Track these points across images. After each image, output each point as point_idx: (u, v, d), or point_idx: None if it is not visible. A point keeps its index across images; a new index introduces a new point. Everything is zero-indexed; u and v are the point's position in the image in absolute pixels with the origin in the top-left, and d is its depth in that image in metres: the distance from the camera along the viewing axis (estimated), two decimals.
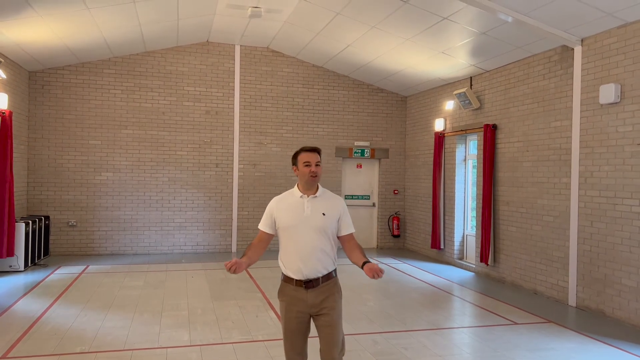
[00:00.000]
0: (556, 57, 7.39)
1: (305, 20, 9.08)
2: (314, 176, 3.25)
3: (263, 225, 3.35)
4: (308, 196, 3.29)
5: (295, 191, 3.34)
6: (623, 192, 6.20)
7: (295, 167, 3.33)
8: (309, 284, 3.20)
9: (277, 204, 3.33)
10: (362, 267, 3.15)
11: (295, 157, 3.34)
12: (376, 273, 3.02)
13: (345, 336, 3.37)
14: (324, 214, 3.24)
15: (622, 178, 6.22)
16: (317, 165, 3.27)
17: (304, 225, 3.21)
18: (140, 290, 7.36)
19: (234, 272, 3.04)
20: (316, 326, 3.26)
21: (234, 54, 11.06)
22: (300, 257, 3.20)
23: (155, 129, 10.59)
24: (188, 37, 10.31)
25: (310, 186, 3.30)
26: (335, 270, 3.32)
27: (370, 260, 3.19)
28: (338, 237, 3.34)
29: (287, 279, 3.28)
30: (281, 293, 3.32)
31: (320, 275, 3.22)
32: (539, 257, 7.64)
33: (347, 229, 3.33)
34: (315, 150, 3.31)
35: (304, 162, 3.27)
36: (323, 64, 11.36)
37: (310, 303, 3.20)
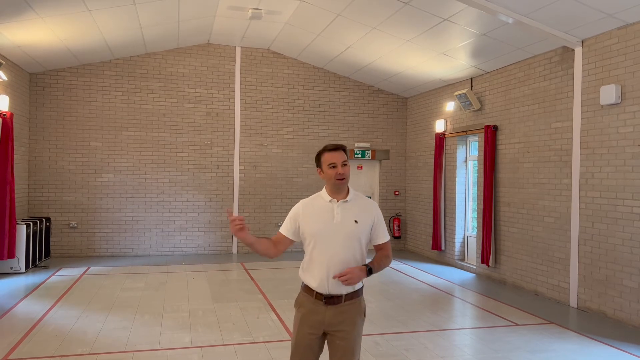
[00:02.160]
0: (557, 58, 7.39)
1: (306, 22, 9.09)
2: (341, 179, 2.87)
3: (285, 230, 2.99)
4: (338, 200, 2.93)
5: (323, 194, 2.98)
6: (624, 193, 6.20)
7: (319, 170, 2.95)
8: (330, 300, 2.86)
9: (304, 209, 2.97)
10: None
11: (318, 158, 2.96)
12: (342, 275, 2.76)
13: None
14: (356, 221, 2.90)
15: (623, 179, 6.22)
16: (344, 165, 2.88)
17: (333, 234, 2.87)
18: (141, 292, 7.36)
19: (237, 228, 2.76)
20: (329, 347, 2.94)
21: (234, 55, 11.07)
22: (327, 269, 2.85)
23: (156, 131, 10.60)
24: (189, 38, 10.32)
25: (339, 190, 2.93)
26: (362, 288, 2.97)
27: (372, 268, 2.87)
28: (374, 246, 3.02)
29: (307, 290, 2.95)
30: (298, 303, 3.01)
31: (344, 292, 2.88)
32: (540, 258, 7.63)
33: (383, 237, 3.01)
34: (340, 149, 2.92)
35: (329, 164, 2.88)
36: (324, 66, 11.37)
37: (327, 321, 2.87)
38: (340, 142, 11.51)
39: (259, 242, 2.93)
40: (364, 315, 3.01)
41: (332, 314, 2.88)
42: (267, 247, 2.98)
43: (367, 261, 2.97)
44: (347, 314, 2.89)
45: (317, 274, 2.89)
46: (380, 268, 2.97)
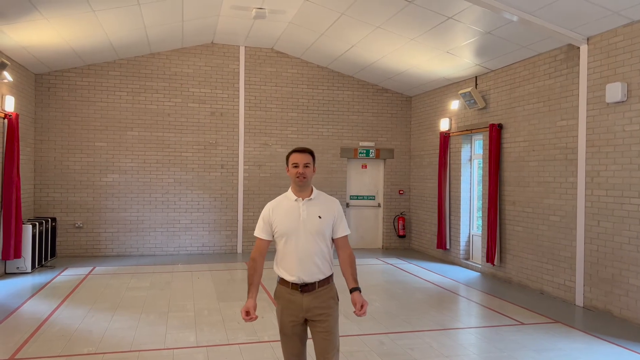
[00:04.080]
0: (562, 56, 7.36)
1: (310, 21, 9.09)
2: (301, 178, 3.17)
3: (261, 233, 3.26)
4: (303, 199, 3.22)
5: (289, 194, 3.27)
6: (630, 191, 6.17)
7: (287, 168, 3.27)
8: (305, 287, 3.14)
9: (273, 210, 3.25)
10: (350, 291, 3.15)
11: (287, 157, 3.28)
12: (361, 312, 3.06)
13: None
14: (320, 217, 3.18)
15: (629, 177, 6.18)
16: (305, 166, 3.18)
17: (301, 230, 3.15)
18: (146, 292, 7.39)
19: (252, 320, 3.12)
20: (311, 332, 3.19)
21: (238, 55, 11.08)
22: (298, 261, 3.14)
23: (161, 131, 10.62)
24: (193, 38, 10.33)
25: (301, 188, 3.22)
26: (332, 275, 3.25)
27: (359, 287, 3.17)
28: (332, 239, 3.27)
29: (282, 282, 3.23)
30: (276, 296, 3.28)
31: (317, 279, 3.16)
32: (546, 257, 7.60)
33: (342, 231, 3.27)
34: (306, 151, 3.22)
35: (292, 164, 3.20)
36: (327, 65, 11.36)
37: (305, 307, 3.13)
38: (345, 142, 11.58)
39: (259, 279, 3.24)
40: (338, 299, 3.27)
41: (309, 300, 3.15)
42: (262, 268, 3.25)
43: (331, 275, 3.27)
44: (322, 298, 3.17)
45: (289, 266, 3.17)
46: (356, 274, 3.25)
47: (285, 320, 3.19)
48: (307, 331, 3.25)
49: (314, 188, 3.30)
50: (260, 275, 3.24)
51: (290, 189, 3.30)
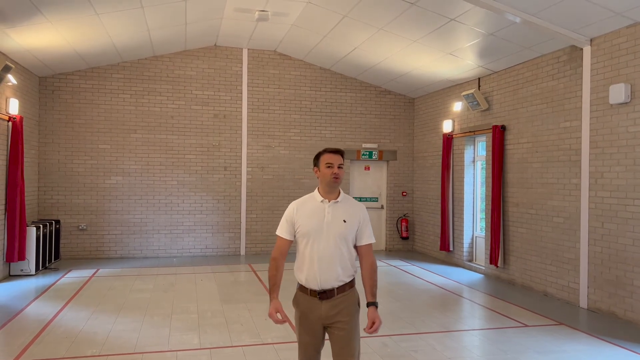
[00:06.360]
0: (565, 58, 7.35)
1: (313, 23, 9.10)
2: (336, 178, 3.08)
3: (283, 232, 3.17)
4: (329, 201, 3.12)
5: (316, 195, 3.17)
6: (634, 192, 6.15)
7: (316, 169, 3.17)
8: (323, 294, 3.05)
9: (298, 209, 3.15)
10: (367, 305, 3.06)
11: (317, 157, 3.18)
12: (371, 329, 2.97)
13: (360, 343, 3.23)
14: (345, 221, 3.09)
15: (633, 178, 6.17)
16: (339, 167, 3.10)
17: (324, 232, 3.06)
18: (150, 294, 7.40)
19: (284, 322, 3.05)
20: (330, 339, 3.11)
21: (241, 57, 11.10)
22: (318, 265, 3.05)
23: (164, 133, 10.65)
24: (196, 41, 10.36)
25: (331, 189, 3.13)
26: (353, 280, 3.14)
27: (376, 302, 3.07)
28: (356, 247, 3.17)
29: (301, 288, 3.15)
30: (295, 302, 3.19)
31: (335, 286, 3.06)
32: (549, 258, 7.59)
33: (367, 238, 3.17)
34: (339, 153, 3.15)
35: (326, 163, 3.10)
36: (330, 67, 11.37)
37: (324, 315, 3.05)
38: (347, 144, 11.59)
39: (280, 280, 3.16)
40: (359, 306, 3.16)
41: (328, 307, 3.06)
42: (282, 270, 3.18)
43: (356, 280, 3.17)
44: (342, 306, 3.07)
45: (308, 271, 3.09)
46: (376, 286, 3.16)
47: (303, 327, 3.12)
48: (324, 338, 3.16)
49: (341, 191, 3.20)
50: (282, 274, 3.16)
51: (316, 190, 3.19)
